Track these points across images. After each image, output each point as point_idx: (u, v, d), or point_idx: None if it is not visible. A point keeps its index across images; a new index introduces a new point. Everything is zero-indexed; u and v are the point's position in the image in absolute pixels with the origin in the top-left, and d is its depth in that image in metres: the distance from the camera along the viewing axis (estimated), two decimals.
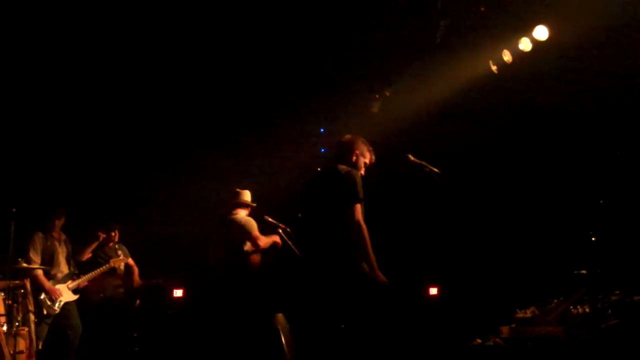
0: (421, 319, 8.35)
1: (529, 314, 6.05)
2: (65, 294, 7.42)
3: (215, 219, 7.10)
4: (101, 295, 8.02)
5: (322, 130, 9.51)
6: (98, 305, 7.82)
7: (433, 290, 8.99)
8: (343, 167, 5.32)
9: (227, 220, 6.82)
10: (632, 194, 7.19)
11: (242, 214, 6.86)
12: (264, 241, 6.64)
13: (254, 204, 7.07)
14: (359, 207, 5.07)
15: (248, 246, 6.66)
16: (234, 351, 6.17)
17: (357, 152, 5.48)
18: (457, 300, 8.48)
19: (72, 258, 7.71)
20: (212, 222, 7.32)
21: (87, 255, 7.90)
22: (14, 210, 6.54)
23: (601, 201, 5.78)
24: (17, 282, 6.65)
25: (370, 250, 5.01)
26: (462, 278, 8.61)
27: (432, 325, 8.06)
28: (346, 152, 5.49)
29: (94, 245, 7.92)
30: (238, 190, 7.01)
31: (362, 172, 5.47)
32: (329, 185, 5.28)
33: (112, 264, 7.83)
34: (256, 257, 6.60)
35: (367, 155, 5.54)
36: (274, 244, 6.72)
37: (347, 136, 5.62)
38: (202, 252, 7.11)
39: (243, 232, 6.66)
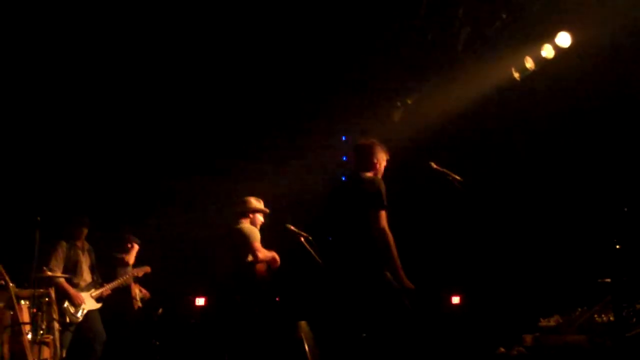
0: (444, 328, 8.29)
1: (552, 322, 6.01)
2: (88, 302, 7.46)
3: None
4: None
5: (343, 138, 9.52)
6: (121, 314, 7.87)
7: (456, 299, 8.94)
8: (366, 174, 5.34)
9: (232, 230, 6.78)
10: None
11: (245, 224, 6.79)
12: (263, 253, 6.57)
13: (266, 210, 7.02)
14: (384, 214, 5.08)
15: (250, 257, 6.63)
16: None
17: (378, 156, 5.47)
18: (481, 309, 8.41)
19: (96, 267, 7.76)
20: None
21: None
22: (38, 219, 6.59)
23: (625, 209, 5.71)
24: (42, 290, 6.69)
25: (396, 257, 5.01)
26: (485, 286, 8.55)
27: (455, 335, 8.00)
28: (366, 157, 5.48)
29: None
30: (245, 198, 6.95)
31: (380, 174, 5.47)
32: (353, 192, 5.29)
33: (134, 273, 7.87)
34: (261, 267, 6.56)
35: (384, 157, 5.53)
36: (272, 260, 6.67)
37: (364, 141, 5.60)
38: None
39: (245, 242, 6.61)
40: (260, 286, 6.52)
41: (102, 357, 7.44)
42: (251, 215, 6.86)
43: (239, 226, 6.71)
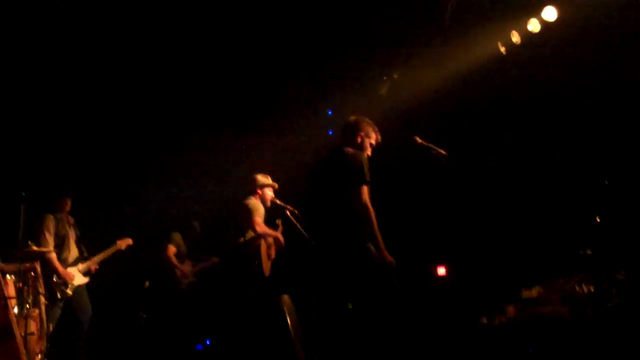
0: (429, 299, 8.37)
1: (534, 293, 6.09)
2: (77, 277, 7.48)
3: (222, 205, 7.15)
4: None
5: (329, 112, 9.51)
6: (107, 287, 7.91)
7: (441, 270, 9.00)
8: (349, 150, 5.36)
9: (239, 205, 6.89)
10: (637, 175, 7.18)
11: (252, 200, 6.89)
12: (262, 228, 6.67)
13: (274, 184, 7.10)
14: (365, 189, 5.13)
15: (251, 232, 6.70)
16: (240, 333, 6.23)
17: (362, 133, 5.51)
18: (465, 280, 8.49)
19: (82, 241, 7.76)
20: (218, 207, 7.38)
21: None
22: (23, 194, 6.57)
23: (606, 182, 5.77)
24: (28, 265, 6.69)
25: (377, 231, 5.07)
26: (469, 258, 8.62)
27: (440, 305, 8.08)
28: (351, 134, 5.52)
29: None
30: (253, 176, 7.08)
31: (369, 152, 5.50)
32: (336, 167, 5.32)
33: (118, 245, 7.88)
34: (258, 243, 6.62)
35: (373, 135, 5.56)
36: (277, 241, 6.75)
37: (352, 117, 5.65)
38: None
39: (247, 217, 6.70)
40: (252, 262, 6.57)
41: (89, 331, 7.49)
42: (259, 192, 7.01)
43: (245, 201, 6.81)
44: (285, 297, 5.29)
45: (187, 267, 8.59)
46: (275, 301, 4.88)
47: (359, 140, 5.49)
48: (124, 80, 8.41)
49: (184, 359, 7.77)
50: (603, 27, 7.40)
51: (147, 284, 8.40)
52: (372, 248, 5.08)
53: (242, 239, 6.63)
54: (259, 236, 6.62)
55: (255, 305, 5.98)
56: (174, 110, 8.97)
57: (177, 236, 8.61)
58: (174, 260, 8.48)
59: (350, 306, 5.00)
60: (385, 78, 8.90)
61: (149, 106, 8.86)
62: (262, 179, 7.09)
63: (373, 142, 5.57)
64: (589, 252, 5.54)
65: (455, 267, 8.86)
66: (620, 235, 5.92)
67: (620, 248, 5.76)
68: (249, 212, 6.72)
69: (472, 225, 8.62)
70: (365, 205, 5.07)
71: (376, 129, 5.61)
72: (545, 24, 7.72)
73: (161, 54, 8.16)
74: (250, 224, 6.65)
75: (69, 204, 7.64)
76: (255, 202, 6.89)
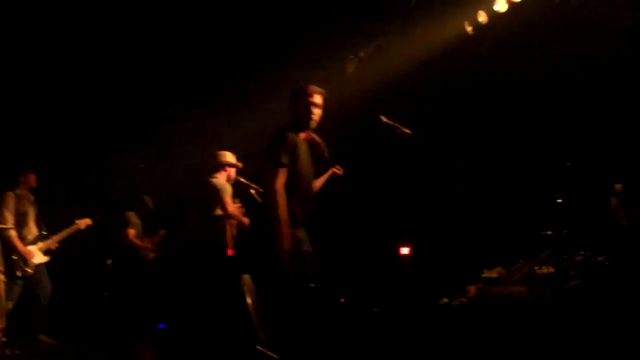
0: (393, 279, 8.43)
1: (495, 274, 6.16)
2: (37, 255, 7.39)
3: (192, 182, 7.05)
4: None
5: (297, 90, 9.43)
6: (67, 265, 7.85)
7: (404, 250, 9.04)
8: (284, 126, 5.07)
9: (205, 183, 6.77)
10: (598, 157, 7.27)
11: (220, 178, 6.79)
12: (233, 209, 6.60)
13: (239, 164, 7.01)
14: (278, 172, 4.85)
15: (219, 211, 6.63)
16: (200, 312, 6.23)
17: (303, 103, 5.11)
18: (428, 261, 8.55)
19: (41, 219, 7.66)
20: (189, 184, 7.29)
21: None
22: None
23: (568, 163, 5.83)
24: None
25: (282, 220, 4.77)
26: (432, 238, 8.67)
27: (403, 285, 8.13)
28: (292, 105, 5.19)
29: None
30: (217, 152, 6.93)
31: (312, 122, 5.12)
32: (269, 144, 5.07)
33: (77, 225, 7.80)
34: (224, 223, 6.56)
35: (310, 104, 5.10)
36: (241, 224, 6.68)
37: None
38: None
39: (216, 196, 6.62)
40: (218, 241, 6.52)
41: (50, 310, 7.43)
42: (227, 169, 6.87)
43: (212, 179, 6.71)
44: (246, 277, 5.25)
45: (147, 244, 8.51)
46: (235, 281, 4.84)
47: (301, 111, 5.09)
48: (80, 55, 8.26)
49: (145, 337, 7.74)
50: (570, 8, 7.44)
51: (109, 262, 8.35)
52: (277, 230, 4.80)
53: (209, 217, 6.55)
54: (227, 216, 6.55)
55: (216, 285, 5.96)
56: (133, 84, 8.86)
57: (132, 216, 8.49)
58: (137, 242, 8.40)
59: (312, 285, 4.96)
60: (352, 57, 8.85)
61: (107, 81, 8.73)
62: (231, 157, 7.00)
63: (317, 110, 5.10)
64: (549, 233, 5.60)
65: (419, 248, 8.90)
66: (580, 217, 6.00)
67: (581, 229, 5.83)
68: (218, 192, 6.63)
69: (436, 206, 8.67)
70: (273, 190, 4.78)
71: (321, 92, 5.16)
72: (512, 4, 7.72)
73: (120, 27, 8.01)
74: (221, 204, 6.58)
75: (31, 180, 7.53)
76: (223, 181, 6.80)
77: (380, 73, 8.63)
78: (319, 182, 5.41)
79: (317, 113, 5.10)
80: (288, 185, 4.93)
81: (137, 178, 9.49)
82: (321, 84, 8.48)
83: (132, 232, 8.40)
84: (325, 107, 5.21)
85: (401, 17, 8.20)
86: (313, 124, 5.14)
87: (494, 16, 7.86)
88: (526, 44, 7.98)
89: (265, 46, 8.64)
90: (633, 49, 7.29)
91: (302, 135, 5.14)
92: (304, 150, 5.09)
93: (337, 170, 5.45)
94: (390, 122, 5.57)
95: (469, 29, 8.05)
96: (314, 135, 5.20)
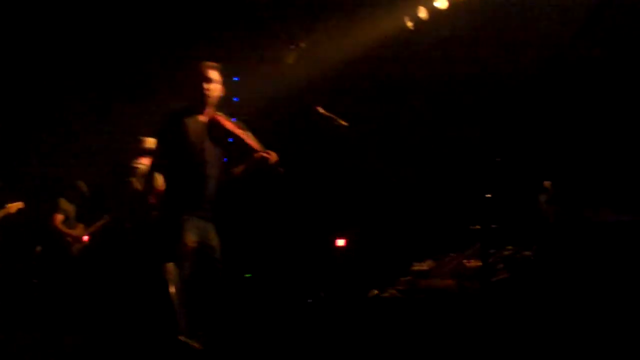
0: (328, 270, 8.46)
1: (425, 267, 6.24)
2: None
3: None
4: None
5: (235, 79, 9.36)
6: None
7: (340, 242, 9.06)
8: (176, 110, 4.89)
9: (132, 170, 6.65)
10: (527, 153, 7.43)
11: (146, 163, 6.69)
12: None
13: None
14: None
15: (152, 199, 6.54)
16: (124, 303, 6.16)
17: (192, 81, 4.80)
18: (363, 252, 8.61)
19: None
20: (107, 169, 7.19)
21: None
22: None
23: (498, 159, 5.92)
24: None
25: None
26: (368, 230, 8.74)
27: (338, 276, 8.17)
28: (185, 87, 4.91)
29: None
30: (141, 137, 6.81)
31: (209, 99, 4.81)
32: None
33: (8, 209, 7.62)
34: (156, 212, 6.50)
35: (210, 77, 4.82)
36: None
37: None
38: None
39: (149, 184, 6.52)
40: (151, 229, 6.44)
41: None
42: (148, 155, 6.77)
43: (139, 166, 6.60)
44: (170, 266, 5.18)
45: (79, 231, 8.31)
46: (158, 270, 4.77)
47: (191, 92, 4.82)
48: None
49: (74, 325, 7.61)
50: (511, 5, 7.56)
51: (38, 249, 8.17)
52: None
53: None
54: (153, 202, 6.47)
55: (139, 273, 5.91)
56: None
57: (63, 202, 8.30)
58: (62, 228, 8.21)
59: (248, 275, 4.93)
60: (292, 47, 8.83)
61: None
62: (152, 143, 6.90)
63: (207, 86, 4.78)
64: (478, 227, 5.68)
65: (354, 239, 8.94)
66: (509, 212, 6.11)
67: (509, 225, 5.94)
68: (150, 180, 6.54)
69: (372, 199, 8.74)
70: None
71: (210, 67, 4.85)
72: (452, 0, 7.80)
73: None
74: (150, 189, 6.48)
75: None
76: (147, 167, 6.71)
77: (320, 64, 8.64)
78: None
79: (212, 88, 4.80)
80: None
81: (70, 162, 9.30)
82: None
83: (58, 218, 8.20)
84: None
85: (343, 9, 8.22)
86: (211, 101, 4.83)
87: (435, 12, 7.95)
88: (466, 39, 8.08)
89: (204, 32, 8.56)
90: (565, 44, 7.47)
91: (202, 117, 4.83)
92: (195, 131, 4.77)
93: (267, 155, 5.12)
94: (327, 114, 5.56)
95: (410, 24, 8.11)
96: (220, 116, 4.88)
